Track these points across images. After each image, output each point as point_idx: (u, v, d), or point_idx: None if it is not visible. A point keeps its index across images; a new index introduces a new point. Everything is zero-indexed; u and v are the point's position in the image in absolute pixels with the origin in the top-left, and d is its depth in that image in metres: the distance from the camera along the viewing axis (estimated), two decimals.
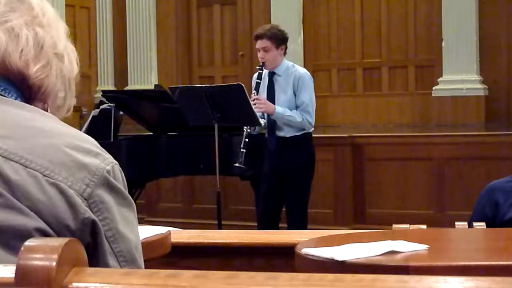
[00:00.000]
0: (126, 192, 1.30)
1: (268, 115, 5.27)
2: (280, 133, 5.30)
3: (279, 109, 5.23)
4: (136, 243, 1.31)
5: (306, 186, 5.37)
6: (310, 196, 5.45)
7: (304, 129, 5.31)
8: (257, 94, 5.26)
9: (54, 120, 1.33)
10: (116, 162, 1.31)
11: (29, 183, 1.19)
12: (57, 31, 1.39)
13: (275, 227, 5.35)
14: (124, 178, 1.31)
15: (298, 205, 5.34)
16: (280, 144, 5.29)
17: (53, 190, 1.20)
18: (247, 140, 5.16)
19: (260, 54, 5.32)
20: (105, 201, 1.24)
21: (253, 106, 5.14)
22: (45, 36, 1.35)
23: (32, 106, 1.32)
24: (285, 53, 5.40)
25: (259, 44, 5.31)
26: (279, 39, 5.33)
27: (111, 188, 1.26)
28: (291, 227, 5.23)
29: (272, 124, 5.29)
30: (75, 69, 1.42)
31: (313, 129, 5.41)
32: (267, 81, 5.38)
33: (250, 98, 5.17)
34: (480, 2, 8.12)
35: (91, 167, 1.24)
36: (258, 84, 5.30)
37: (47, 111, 1.37)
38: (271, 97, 5.31)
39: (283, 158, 5.28)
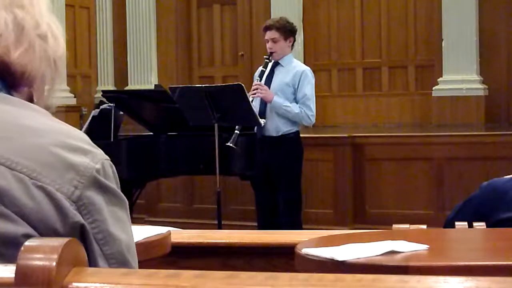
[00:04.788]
0: (118, 189, 1.26)
1: (261, 103, 5.35)
2: (266, 132, 5.36)
3: (278, 98, 5.30)
4: (128, 243, 1.27)
5: (297, 184, 5.45)
6: (301, 195, 5.52)
7: (295, 124, 5.38)
8: (259, 81, 5.36)
9: (42, 115, 1.27)
10: (107, 158, 1.26)
11: (15, 188, 1.15)
12: (39, 8, 1.32)
13: (273, 221, 5.41)
14: (116, 174, 1.27)
15: (291, 203, 5.40)
16: (266, 143, 5.36)
17: (41, 194, 1.16)
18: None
19: (268, 45, 5.45)
20: (95, 202, 1.21)
21: (253, 92, 5.22)
22: (25, 17, 1.28)
23: (18, 99, 1.27)
24: (292, 46, 5.50)
25: (268, 35, 5.44)
26: (288, 31, 5.45)
27: (101, 187, 1.22)
28: (286, 226, 5.26)
29: (263, 111, 5.34)
30: (62, 46, 1.36)
31: (299, 127, 5.48)
32: (269, 70, 5.46)
33: (251, 90, 5.29)
34: (480, 2, 8.12)
35: (79, 167, 1.20)
36: (262, 72, 5.43)
37: (33, 96, 1.31)
38: (268, 84, 5.42)
39: (269, 158, 5.38)
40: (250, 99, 5.19)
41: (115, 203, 1.24)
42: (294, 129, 5.42)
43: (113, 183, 1.25)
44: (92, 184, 1.20)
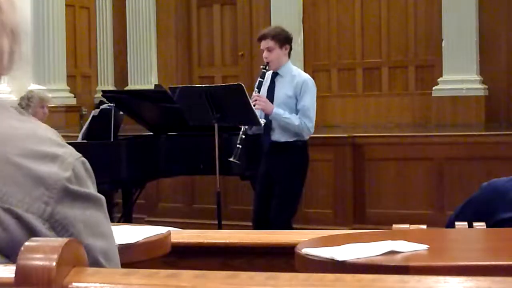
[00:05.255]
0: (93, 186, 1.19)
1: (266, 115, 5.28)
2: (274, 137, 5.30)
3: (278, 110, 5.22)
4: (104, 247, 1.19)
5: (293, 194, 5.35)
6: (297, 204, 5.43)
7: (299, 135, 5.28)
8: (258, 93, 5.28)
9: (2, 113, 1.16)
10: (78, 156, 1.17)
11: None
12: None
13: (268, 227, 5.34)
14: (89, 169, 1.19)
15: (282, 212, 5.31)
16: (272, 148, 5.30)
17: (9, 218, 1.08)
18: (243, 136, 5.17)
19: (264, 54, 5.33)
20: (68, 215, 1.14)
21: (252, 104, 5.15)
22: None
23: None
24: (289, 54, 5.41)
25: (263, 44, 5.33)
26: (282, 39, 5.34)
27: (73, 197, 1.14)
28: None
29: (268, 123, 5.29)
30: (19, 13, 1.22)
31: (310, 133, 5.37)
32: (269, 81, 5.38)
33: (250, 97, 5.19)
34: (480, 2, 8.12)
35: (48, 180, 1.11)
36: (260, 83, 5.31)
37: None
38: (270, 96, 5.32)
39: (273, 163, 5.30)
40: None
41: (89, 206, 1.17)
42: (301, 138, 5.32)
43: (87, 183, 1.18)
44: (63, 196, 1.13)
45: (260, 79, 5.33)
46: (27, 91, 7.19)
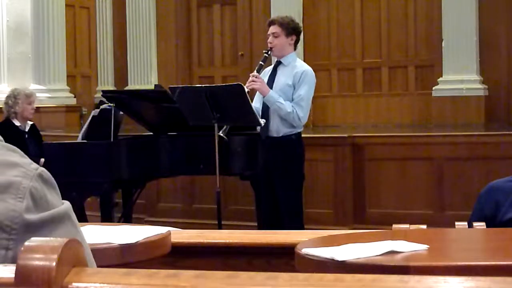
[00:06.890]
0: (55, 198, 1.09)
1: (264, 104, 5.31)
2: (270, 130, 5.32)
3: (274, 93, 5.26)
4: None
5: (296, 187, 5.39)
6: (302, 196, 5.46)
7: (293, 126, 5.32)
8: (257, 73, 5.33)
9: None
10: (34, 169, 1.05)
11: None
12: None
13: (275, 223, 5.37)
14: (48, 178, 1.08)
15: (290, 206, 5.35)
16: (267, 143, 5.33)
17: None
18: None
19: (269, 39, 5.41)
20: None
21: (248, 83, 5.19)
22: None
23: None
24: (296, 45, 5.46)
25: (270, 29, 5.43)
26: (290, 28, 5.41)
27: (35, 227, 1.06)
28: (287, 227, 5.23)
29: (266, 111, 5.32)
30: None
31: (302, 128, 5.43)
32: (271, 69, 5.43)
33: (248, 82, 5.25)
34: (480, 2, 8.12)
35: (4, 222, 1.02)
36: (260, 66, 5.37)
37: None
38: (270, 83, 5.37)
39: (269, 159, 5.34)
40: (246, 90, 5.16)
41: (55, 227, 1.09)
42: (295, 130, 5.36)
43: (48, 199, 1.08)
44: (25, 232, 1.04)
45: (261, 63, 5.38)
46: (12, 89, 7.21)
